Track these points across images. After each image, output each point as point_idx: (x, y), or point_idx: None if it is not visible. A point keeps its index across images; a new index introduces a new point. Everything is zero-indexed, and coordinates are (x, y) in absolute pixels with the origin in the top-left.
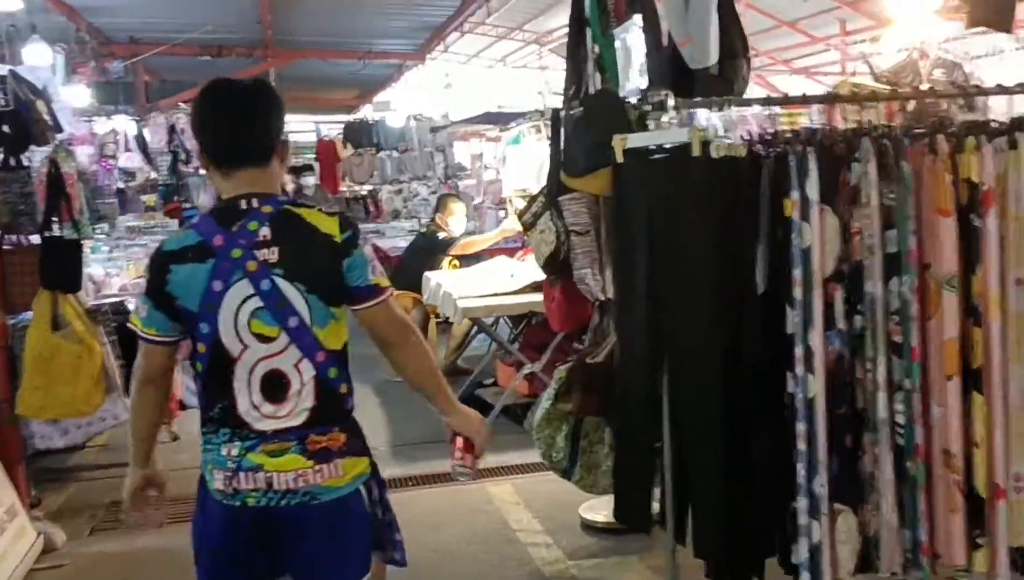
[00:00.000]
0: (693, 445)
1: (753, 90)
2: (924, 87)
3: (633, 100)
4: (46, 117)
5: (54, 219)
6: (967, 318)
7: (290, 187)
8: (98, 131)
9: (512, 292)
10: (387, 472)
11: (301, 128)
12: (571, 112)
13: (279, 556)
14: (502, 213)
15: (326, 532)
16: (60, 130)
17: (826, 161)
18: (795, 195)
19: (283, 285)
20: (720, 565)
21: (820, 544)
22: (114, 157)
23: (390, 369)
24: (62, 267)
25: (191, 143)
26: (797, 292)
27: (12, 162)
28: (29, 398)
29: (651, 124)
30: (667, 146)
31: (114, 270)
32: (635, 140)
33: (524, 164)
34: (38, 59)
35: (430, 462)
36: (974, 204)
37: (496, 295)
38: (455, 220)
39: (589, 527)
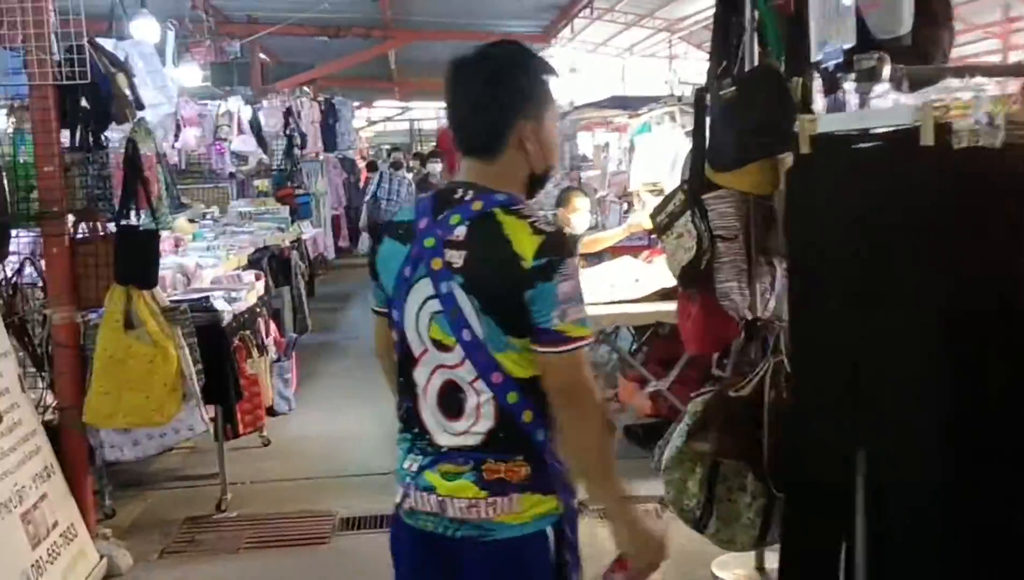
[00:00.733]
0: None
1: None
2: None
3: (831, 64)
4: (127, 92)
5: (131, 206)
6: None
7: (410, 175)
8: (208, 112)
9: (637, 299)
10: None
11: (423, 115)
12: (721, 93)
13: None
14: (625, 206)
15: (491, 574)
16: (141, 107)
17: None
18: None
19: (459, 295)
20: None
21: None
22: (227, 140)
23: None
24: (137, 260)
25: (307, 127)
26: None
27: (91, 141)
28: (97, 404)
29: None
30: (878, 131)
31: (211, 260)
32: (831, 122)
33: (654, 155)
34: (145, 34)
35: None
36: None
37: (619, 302)
38: (578, 217)
39: None
